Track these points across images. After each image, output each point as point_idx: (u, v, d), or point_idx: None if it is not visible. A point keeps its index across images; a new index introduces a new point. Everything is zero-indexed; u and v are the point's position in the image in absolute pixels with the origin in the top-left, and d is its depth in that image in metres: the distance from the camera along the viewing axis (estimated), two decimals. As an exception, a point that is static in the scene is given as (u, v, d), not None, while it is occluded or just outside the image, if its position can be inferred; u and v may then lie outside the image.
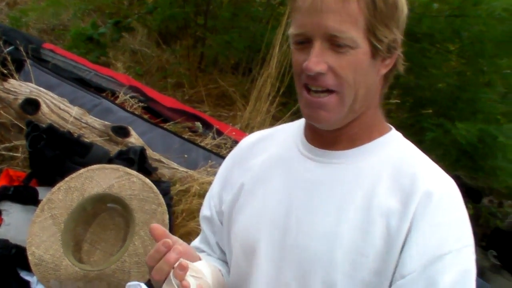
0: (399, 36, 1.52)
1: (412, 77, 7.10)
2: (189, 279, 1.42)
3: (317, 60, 1.42)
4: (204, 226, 1.91)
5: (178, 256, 1.42)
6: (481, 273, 6.76)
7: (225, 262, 1.88)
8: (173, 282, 1.41)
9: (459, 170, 7.42)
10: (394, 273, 1.46)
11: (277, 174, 1.69)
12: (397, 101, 6.87)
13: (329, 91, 1.47)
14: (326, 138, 1.61)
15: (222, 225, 1.84)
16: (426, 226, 1.44)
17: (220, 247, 1.89)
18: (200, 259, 1.60)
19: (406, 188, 1.49)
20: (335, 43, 1.43)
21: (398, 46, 1.54)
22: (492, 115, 6.71)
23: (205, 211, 1.91)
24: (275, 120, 5.96)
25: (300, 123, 1.76)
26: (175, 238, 1.52)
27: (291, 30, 1.50)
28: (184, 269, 1.40)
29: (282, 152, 1.73)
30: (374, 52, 1.47)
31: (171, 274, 1.41)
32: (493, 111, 6.72)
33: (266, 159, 1.76)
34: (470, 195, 7.84)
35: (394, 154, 1.59)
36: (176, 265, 1.41)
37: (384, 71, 1.55)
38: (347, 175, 1.57)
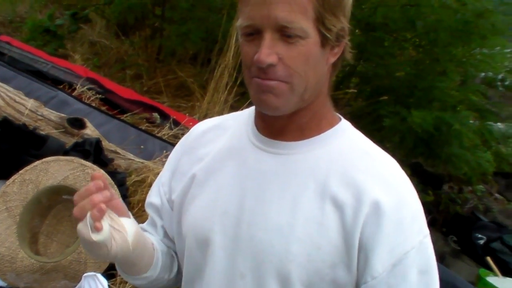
0: (346, 24, 1.51)
1: (370, 66, 7.15)
2: (105, 225, 1.40)
3: (268, 52, 1.40)
4: (150, 212, 1.88)
5: (104, 199, 1.41)
6: (442, 258, 6.85)
7: (166, 246, 1.88)
8: (87, 222, 1.39)
9: (418, 158, 7.50)
10: (357, 271, 1.47)
11: (229, 165, 1.67)
12: (354, 91, 6.95)
13: (279, 81, 1.45)
14: (276, 126, 1.59)
15: (172, 211, 1.81)
16: (388, 224, 1.44)
17: (166, 231, 1.88)
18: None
19: (359, 184, 1.49)
20: (285, 34, 1.41)
21: (346, 34, 1.52)
22: (448, 103, 6.75)
23: (153, 198, 1.86)
24: (233, 109, 5.95)
25: (250, 112, 1.74)
26: (113, 192, 1.51)
27: (240, 22, 1.48)
28: (101, 211, 1.39)
29: (234, 142, 1.71)
30: (324, 41, 1.46)
31: (88, 213, 1.39)
32: (449, 99, 6.77)
33: (218, 149, 1.73)
34: (431, 182, 7.92)
35: (344, 146, 1.58)
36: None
37: (332, 59, 1.53)
38: (300, 166, 1.56)
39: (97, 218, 1.39)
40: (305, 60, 1.43)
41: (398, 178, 1.54)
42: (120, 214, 1.52)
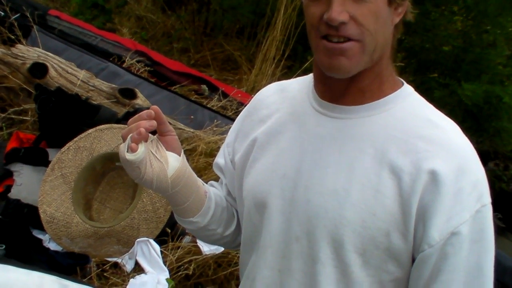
0: None
1: (417, 39, 7.07)
2: (140, 147, 1.48)
3: (340, 10, 1.39)
4: (216, 171, 1.93)
5: (148, 127, 1.48)
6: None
7: (229, 203, 1.91)
8: (126, 142, 1.48)
9: (464, 132, 7.41)
10: (414, 240, 1.47)
11: (290, 128, 1.68)
12: (401, 64, 6.88)
13: (350, 40, 1.44)
14: (336, 89, 1.58)
15: (235, 171, 1.84)
16: (446, 194, 1.43)
17: (228, 188, 1.91)
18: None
19: (418, 151, 1.47)
20: None
21: None
22: (497, 77, 6.65)
23: (218, 158, 1.92)
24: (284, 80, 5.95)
25: (311, 76, 1.72)
26: (169, 127, 1.59)
27: None
28: (139, 134, 1.45)
29: (295, 106, 1.71)
30: (391, 0, 1.45)
31: (129, 135, 1.47)
32: (498, 72, 6.66)
33: (280, 113, 1.74)
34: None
35: (406, 112, 1.56)
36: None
37: (397, 19, 1.52)
38: (358, 131, 1.56)
39: (135, 140, 1.46)
40: (375, 18, 1.42)
41: (460, 145, 1.51)
42: (170, 149, 1.57)
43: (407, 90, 1.61)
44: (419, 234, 1.45)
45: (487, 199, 1.50)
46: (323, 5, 1.42)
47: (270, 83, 1.88)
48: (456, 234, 1.43)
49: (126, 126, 1.52)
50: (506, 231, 7.11)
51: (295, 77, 1.89)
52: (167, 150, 1.57)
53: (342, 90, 1.56)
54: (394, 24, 1.52)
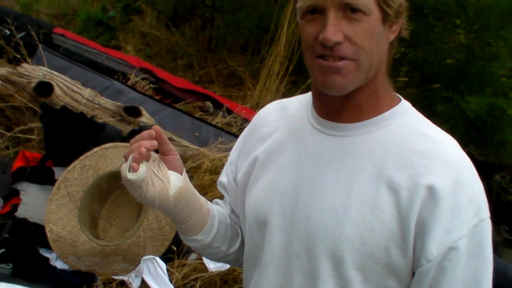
0: (403, 0, 1.51)
1: (420, 52, 7.08)
2: (142, 167, 1.50)
3: (334, 30, 1.41)
4: (220, 189, 1.96)
5: (150, 147, 1.50)
6: (494, 248, 6.76)
7: (233, 221, 1.92)
8: (127, 162, 1.50)
9: (469, 145, 7.41)
10: (413, 255, 1.48)
11: (289, 146, 1.70)
12: (405, 79, 6.89)
13: (345, 59, 1.45)
14: (333, 106, 1.59)
15: (237, 189, 1.86)
16: (444, 208, 1.44)
17: (232, 206, 1.93)
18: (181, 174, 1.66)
19: (415, 167, 1.48)
20: (348, 11, 1.42)
21: (404, 10, 1.53)
22: (500, 89, 6.65)
23: (222, 177, 1.94)
24: (285, 98, 5.96)
25: (311, 94, 1.73)
26: (170, 146, 1.61)
27: (301, 3, 1.48)
28: (141, 154, 1.47)
29: (295, 124, 1.73)
30: (385, 18, 1.46)
31: (131, 155, 1.50)
32: (502, 85, 6.66)
33: (280, 131, 1.76)
34: (482, 171, 7.80)
35: (403, 128, 1.57)
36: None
37: (391, 37, 1.54)
38: (356, 148, 1.57)
39: (136, 160, 1.48)
40: (369, 37, 1.43)
41: (457, 159, 1.51)
42: (172, 168, 1.60)
43: (404, 106, 1.62)
44: (418, 249, 1.46)
45: (485, 213, 1.50)
46: (318, 26, 1.44)
47: (274, 98, 1.90)
48: (454, 249, 1.44)
49: (131, 144, 1.55)
50: (514, 243, 7.10)
51: (300, 92, 1.90)
52: (169, 169, 1.59)
53: (339, 107, 1.58)
54: (389, 42, 1.53)
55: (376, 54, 1.48)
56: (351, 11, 1.41)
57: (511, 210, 7.44)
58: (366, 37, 1.43)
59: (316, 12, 1.44)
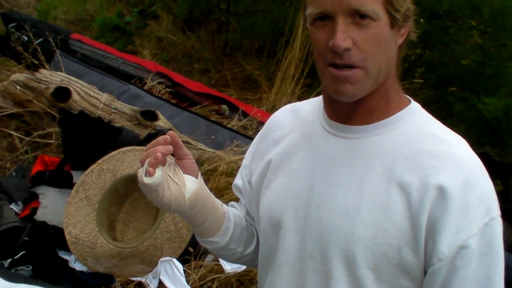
0: (411, 4, 1.53)
1: (435, 54, 7.08)
2: (158, 171, 1.53)
3: (343, 36, 1.42)
4: (235, 192, 2.00)
5: (165, 151, 1.52)
6: (510, 249, 6.72)
7: (249, 222, 1.96)
8: (144, 166, 1.52)
9: (485, 146, 7.37)
10: (425, 254, 1.49)
11: (302, 149, 1.72)
12: (421, 80, 6.89)
13: (354, 67, 1.47)
14: (344, 110, 1.61)
15: (252, 192, 1.89)
16: (454, 208, 1.45)
17: (247, 208, 1.97)
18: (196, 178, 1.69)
19: (425, 167, 1.50)
20: (357, 17, 1.43)
21: (411, 14, 1.54)
22: (516, 89, 6.62)
23: (237, 180, 1.98)
24: (301, 100, 5.95)
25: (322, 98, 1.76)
26: (186, 151, 1.64)
27: (310, 10, 1.49)
28: (157, 159, 1.50)
29: (307, 127, 1.75)
30: (393, 22, 1.48)
31: (147, 160, 1.52)
32: (517, 85, 6.63)
33: (293, 134, 1.78)
34: (499, 172, 7.75)
35: (412, 129, 1.59)
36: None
37: (400, 40, 1.56)
38: (366, 150, 1.59)
39: (152, 165, 1.50)
40: (377, 43, 1.45)
41: (466, 159, 1.53)
42: (188, 172, 1.63)
43: (414, 108, 1.64)
44: (430, 248, 1.48)
45: (496, 212, 1.51)
46: (327, 32, 1.46)
47: (290, 101, 1.92)
48: (464, 248, 1.45)
49: (148, 148, 1.58)
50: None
51: (315, 95, 1.92)
52: (184, 173, 1.62)
53: (350, 111, 1.60)
54: (397, 45, 1.55)
55: (385, 59, 1.50)
56: (360, 17, 1.43)
57: (529, 210, 7.39)
58: (374, 44, 1.45)
59: (326, 19, 1.46)
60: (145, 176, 1.52)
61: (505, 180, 7.54)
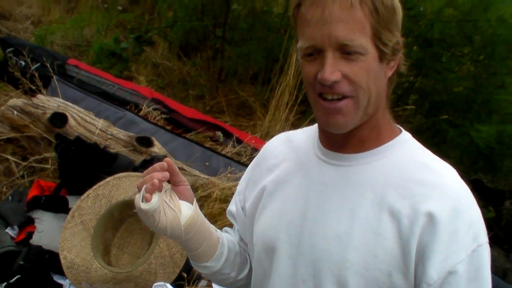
0: (400, 38, 1.57)
1: (428, 82, 7.13)
2: (154, 198, 1.57)
3: (332, 70, 1.46)
4: (229, 218, 2.05)
5: (161, 178, 1.57)
6: (504, 276, 6.72)
7: (242, 248, 2.00)
8: (141, 192, 1.58)
9: (478, 173, 7.39)
10: (414, 279, 1.52)
11: (296, 176, 1.76)
12: (412, 107, 6.93)
13: (344, 97, 1.51)
14: (337, 140, 1.66)
15: (246, 218, 1.93)
16: (443, 234, 1.49)
17: (241, 234, 2.01)
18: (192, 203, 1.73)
19: (415, 195, 1.54)
20: (346, 52, 1.47)
21: (400, 48, 1.59)
22: (509, 116, 6.66)
23: (231, 206, 2.03)
24: (294, 128, 5.89)
25: (316, 126, 1.80)
26: (182, 177, 1.69)
27: (301, 44, 1.54)
28: (153, 185, 1.55)
29: (301, 155, 1.80)
30: (381, 56, 1.52)
31: (144, 186, 1.57)
32: (510, 112, 6.68)
33: (287, 162, 1.83)
34: (492, 198, 7.77)
35: (403, 158, 1.63)
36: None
37: (390, 73, 1.59)
38: (358, 178, 1.63)
39: (149, 191, 1.56)
40: (366, 75, 1.50)
41: (455, 187, 1.57)
42: (183, 198, 1.68)
43: (405, 137, 1.69)
44: (419, 274, 1.51)
45: (484, 238, 1.55)
46: (317, 65, 1.51)
47: (284, 128, 1.98)
48: (453, 273, 1.49)
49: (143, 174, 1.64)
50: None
51: (309, 122, 1.98)
52: (180, 199, 1.67)
53: (342, 141, 1.65)
54: (387, 78, 1.60)
55: (374, 90, 1.54)
56: (347, 53, 1.48)
57: (523, 237, 7.41)
58: (363, 75, 1.50)
59: (316, 53, 1.51)
60: (142, 201, 1.57)
61: (498, 206, 7.56)
